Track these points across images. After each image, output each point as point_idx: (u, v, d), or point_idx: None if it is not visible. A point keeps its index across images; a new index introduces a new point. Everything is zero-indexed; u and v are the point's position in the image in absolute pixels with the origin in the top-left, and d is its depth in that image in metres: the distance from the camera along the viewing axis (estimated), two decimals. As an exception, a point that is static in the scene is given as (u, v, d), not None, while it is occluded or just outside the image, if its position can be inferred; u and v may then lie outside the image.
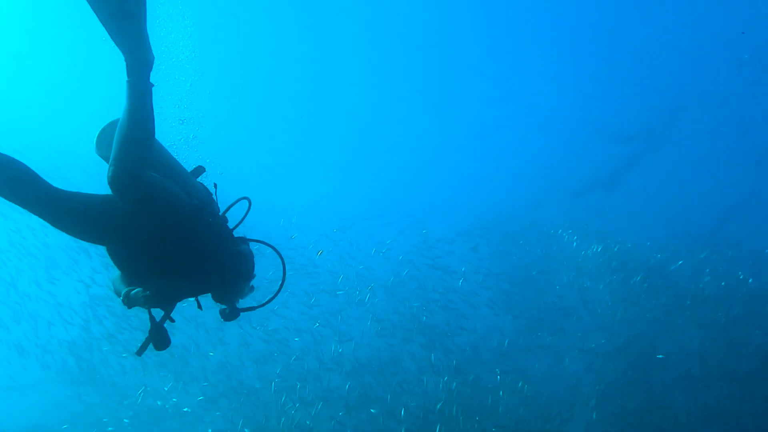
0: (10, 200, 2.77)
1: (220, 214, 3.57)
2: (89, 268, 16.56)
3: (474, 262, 19.45)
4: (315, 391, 15.14)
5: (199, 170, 3.70)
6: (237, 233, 3.68)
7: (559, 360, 16.25)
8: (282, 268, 3.72)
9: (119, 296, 3.16)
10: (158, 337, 3.13)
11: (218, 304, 3.62)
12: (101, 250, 3.33)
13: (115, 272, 3.40)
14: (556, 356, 16.39)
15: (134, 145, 2.88)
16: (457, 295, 17.66)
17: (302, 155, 28.33)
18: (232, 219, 3.70)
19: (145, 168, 2.95)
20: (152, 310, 3.14)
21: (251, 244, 3.75)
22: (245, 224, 3.80)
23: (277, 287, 3.72)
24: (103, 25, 2.93)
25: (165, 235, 3.08)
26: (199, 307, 3.66)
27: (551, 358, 16.46)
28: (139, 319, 15.41)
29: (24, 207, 2.81)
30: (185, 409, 15.94)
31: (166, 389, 16.07)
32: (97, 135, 3.30)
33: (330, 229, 20.13)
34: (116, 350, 16.64)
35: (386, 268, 18.97)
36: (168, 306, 3.23)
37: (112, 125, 3.23)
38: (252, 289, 3.75)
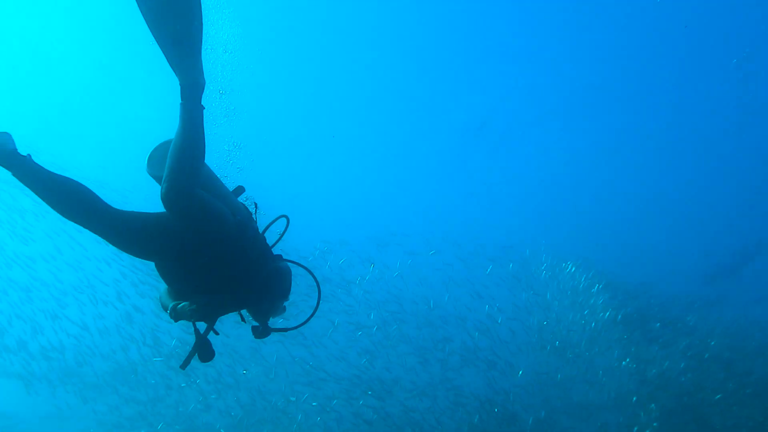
0: (73, 221, 2.97)
1: (261, 232, 3.72)
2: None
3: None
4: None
5: (240, 190, 3.84)
6: (274, 251, 3.82)
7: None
8: (317, 292, 3.78)
9: (166, 310, 3.30)
10: (204, 350, 3.27)
11: (253, 321, 3.74)
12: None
13: (163, 287, 3.55)
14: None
15: (186, 164, 3.04)
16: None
17: (341, 173, 28.56)
18: (269, 236, 3.85)
19: (195, 186, 3.10)
20: (197, 323, 3.29)
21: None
22: (281, 242, 3.95)
23: (310, 311, 3.81)
24: (162, 50, 3.14)
25: (211, 251, 3.22)
26: (243, 320, 3.77)
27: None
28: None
29: (85, 227, 3.00)
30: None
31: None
32: (148, 155, 3.48)
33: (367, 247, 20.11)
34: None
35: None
36: (212, 319, 3.37)
37: (163, 146, 3.43)
38: (284, 309, 3.85)
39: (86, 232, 3.02)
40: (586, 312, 16.68)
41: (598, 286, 17.05)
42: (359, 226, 23.54)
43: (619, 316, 16.41)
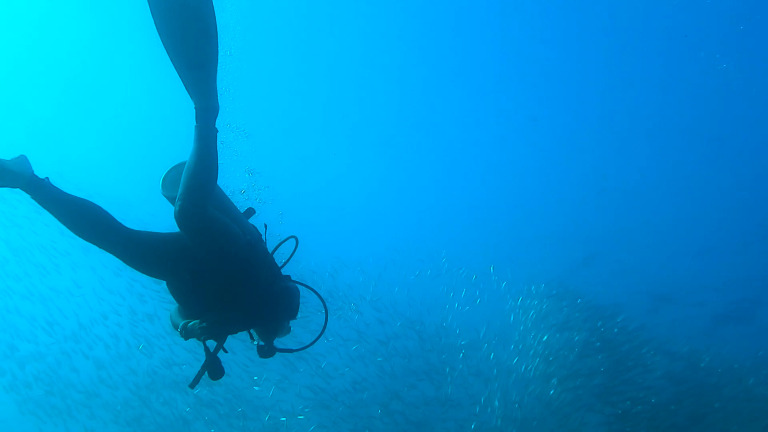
0: (89, 241, 3.06)
1: (270, 252, 3.79)
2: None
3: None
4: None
5: (250, 212, 3.93)
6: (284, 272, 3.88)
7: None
8: (324, 315, 3.85)
9: (177, 329, 3.36)
10: (213, 368, 3.32)
11: (258, 340, 3.78)
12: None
13: (174, 306, 3.61)
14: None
15: (200, 184, 3.12)
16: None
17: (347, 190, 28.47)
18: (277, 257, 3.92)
19: (208, 206, 3.17)
20: (207, 342, 3.33)
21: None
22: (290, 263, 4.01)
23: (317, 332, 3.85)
24: (179, 73, 3.23)
25: (222, 270, 3.28)
26: (252, 339, 3.80)
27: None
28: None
29: (101, 247, 3.08)
30: None
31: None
32: (163, 177, 3.58)
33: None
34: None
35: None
36: (221, 337, 3.43)
37: (177, 168, 3.53)
38: (290, 330, 3.89)
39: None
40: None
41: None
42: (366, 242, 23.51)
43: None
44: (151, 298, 16.20)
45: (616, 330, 16.97)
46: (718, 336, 19.39)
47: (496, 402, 15.80)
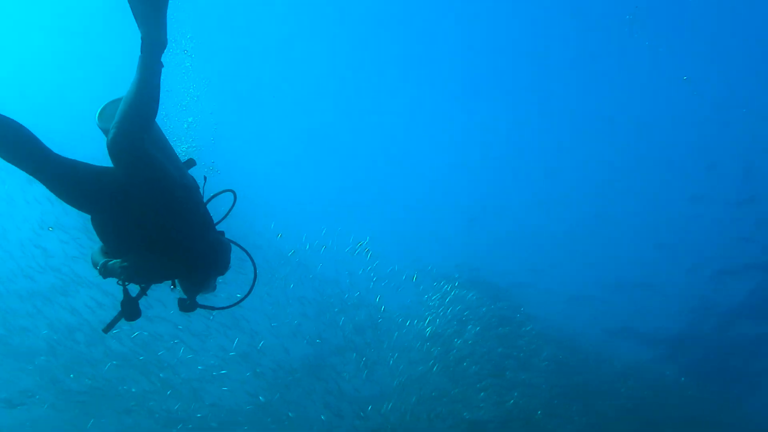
0: (8, 161, 2.84)
1: (205, 202, 3.66)
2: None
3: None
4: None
5: (190, 163, 3.77)
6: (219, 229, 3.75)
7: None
8: (253, 275, 3.77)
9: (96, 267, 3.22)
10: (130, 309, 3.20)
11: (181, 292, 3.67)
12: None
13: (97, 245, 3.45)
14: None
15: (137, 115, 3.00)
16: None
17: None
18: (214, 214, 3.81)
19: (144, 139, 3.04)
20: (128, 286, 3.20)
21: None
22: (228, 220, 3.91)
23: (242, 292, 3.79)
24: (129, 4, 3.09)
25: (153, 211, 3.14)
26: (173, 286, 3.66)
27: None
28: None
29: (21, 168, 2.87)
30: None
31: None
32: (101, 108, 3.39)
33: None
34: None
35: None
36: (144, 282, 3.30)
37: (116, 102, 3.32)
38: (215, 287, 3.78)
39: None
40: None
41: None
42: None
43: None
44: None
45: (518, 315, 18.09)
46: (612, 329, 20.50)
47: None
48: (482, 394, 16.64)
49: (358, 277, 17.37)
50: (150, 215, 3.14)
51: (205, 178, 3.79)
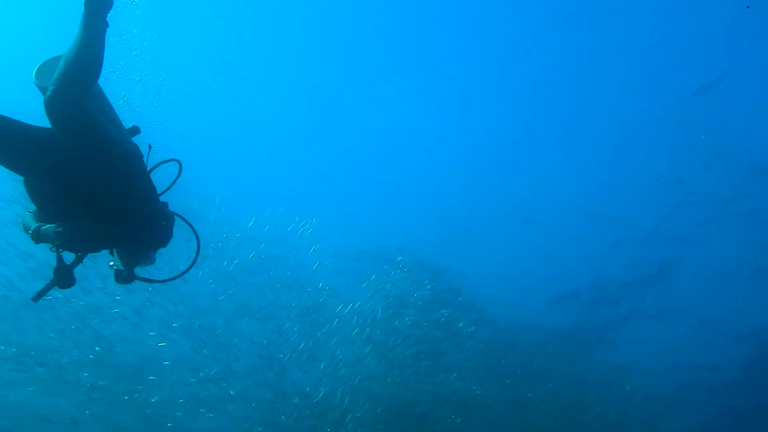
0: None
1: (149, 171, 3.51)
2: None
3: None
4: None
5: (135, 130, 3.57)
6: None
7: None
8: (196, 249, 3.67)
9: (28, 231, 3.05)
10: (64, 277, 3.07)
11: (118, 263, 3.52)
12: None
13: (30, 210, 3.28)
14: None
15: (78, 73, 2.83)
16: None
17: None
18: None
19: (85, 99, 2.87)
20: (62, 253, 3.06)
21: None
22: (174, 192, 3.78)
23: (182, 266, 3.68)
24: None
25: (92, 176, 2.98)
26: (111, 253, 3.50)
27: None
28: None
29: None
30: None
31: None
32: (39, 64, 3.19)
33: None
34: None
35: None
36: (79, 250, 3.14)
37: (57, 59, 3.11)
38: (155, 260, 3.65)
39: None
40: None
41: None
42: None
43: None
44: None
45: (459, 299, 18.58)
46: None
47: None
48: (418, 375, 17.07)
49: (302, 257, 17.33)
50: (88, 181, 2.98)
51: (149, 146, 3.65)
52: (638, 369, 21.84)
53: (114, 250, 3.46)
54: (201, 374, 16.27)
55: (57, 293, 13.23)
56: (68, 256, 3.17)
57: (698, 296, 20.52)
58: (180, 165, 3.74)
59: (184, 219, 3.64)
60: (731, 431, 23.52)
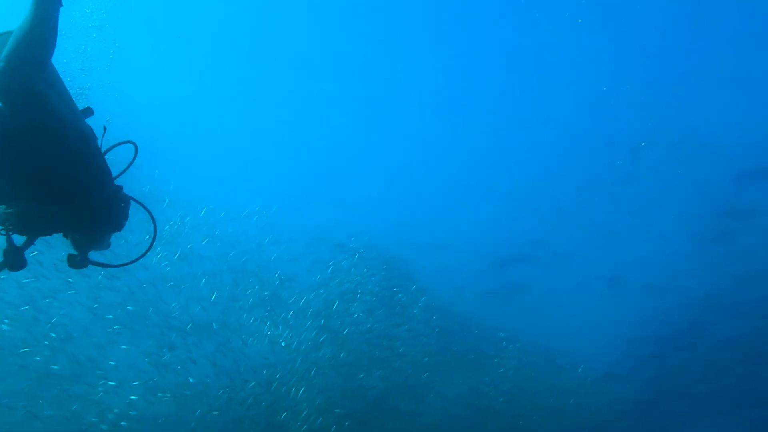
0: None
1: (104, 153, 3.45)
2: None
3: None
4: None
5: (88, 111, 3.51)
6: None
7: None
8: (152, 234, 3.63)
9: None
10: (14, 259, 3.01)
11: (71, 247, 3.48)
12: None
13: None
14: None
15: (31, 50, 2.76)
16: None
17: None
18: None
19: (37, 76, 2.80)
20: (12, 234, 3.00)
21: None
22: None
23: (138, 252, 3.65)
24: None
25: (43, 158, 2.91)
26: (65, 236, 3.45)
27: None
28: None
29: None
30: None
31: None
32: None
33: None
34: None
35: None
36: (29, 233, 3.08)
37: (7, 34, 3.00)
38: (109, 245, 3.60)
39: None
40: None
41: None
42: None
43: None
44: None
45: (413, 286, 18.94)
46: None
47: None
48: (372, 361, 17.29)
49: (256, 244, 17.25)
50: (39, 162, 2.91)
51: (104, 128, 3.58)
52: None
53: (67, 233, 3.41)
54: (158, 359, 16.08)
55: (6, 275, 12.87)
56: (19, 238, 3.12)
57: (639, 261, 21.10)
58: (136, 148, 3.69)
59: (139, 203, 3.62)
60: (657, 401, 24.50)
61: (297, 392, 15.91)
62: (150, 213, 3.62)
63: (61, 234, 3.38)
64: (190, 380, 16.22)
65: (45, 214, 3.02)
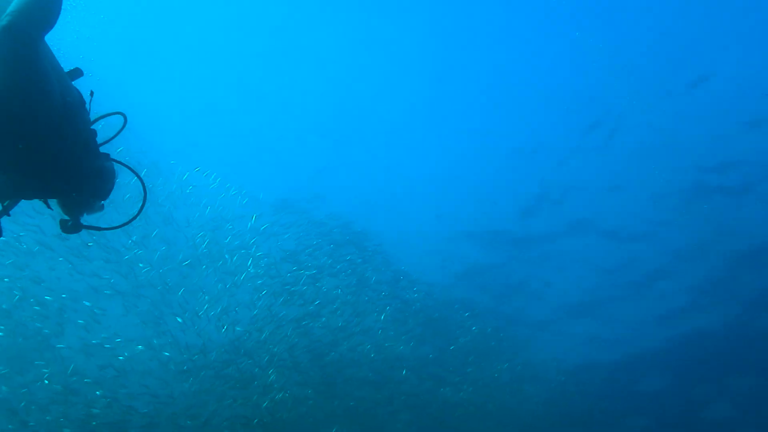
0: None
1: (92, 122, 3.36)
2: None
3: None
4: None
5: (77, 73, 3.36)
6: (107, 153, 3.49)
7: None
8: (143, 197, 3.61)
9: None
10: None
11: (62, 213, 3.40)
12: None
13: None
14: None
15: (37, 10, 2.66)
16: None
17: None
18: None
19: (39, 41, 2.71)
20: None
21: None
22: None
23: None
24: None
25: (25, 123, 2.76)
26: (49, 207, 3.39)
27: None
28: None
29: None
30: None
31: None
32: None
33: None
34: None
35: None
36: (9, 199, 3.00)
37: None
38: (102, 207, 3.55)
39: None
40: None
41: None
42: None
43: None
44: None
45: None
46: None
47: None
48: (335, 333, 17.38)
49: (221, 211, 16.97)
50: (20, 130, 2.75)
51: (91, 93, 3.50)
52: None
53: (56, 200, 3.33)
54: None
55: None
56: None
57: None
58: (125, 118, 3.63)
59: (129, 167, 3.57)
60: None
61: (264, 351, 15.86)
62: (140, 177, 3.58)
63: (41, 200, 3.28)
64: (166, 354, 16.02)
65: (27, 183, 2.93)
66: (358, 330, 17.74)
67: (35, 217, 13.68)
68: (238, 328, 15.88)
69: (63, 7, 2.94)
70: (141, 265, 15.99)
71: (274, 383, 15.87)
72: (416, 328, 19.49)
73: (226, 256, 16.46)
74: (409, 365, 19.04)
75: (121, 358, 15.38)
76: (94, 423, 14.24)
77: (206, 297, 16.02)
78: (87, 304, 15.04)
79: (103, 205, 3.53)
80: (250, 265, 16.46)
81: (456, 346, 20.28)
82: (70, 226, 3.33)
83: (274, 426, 15.79)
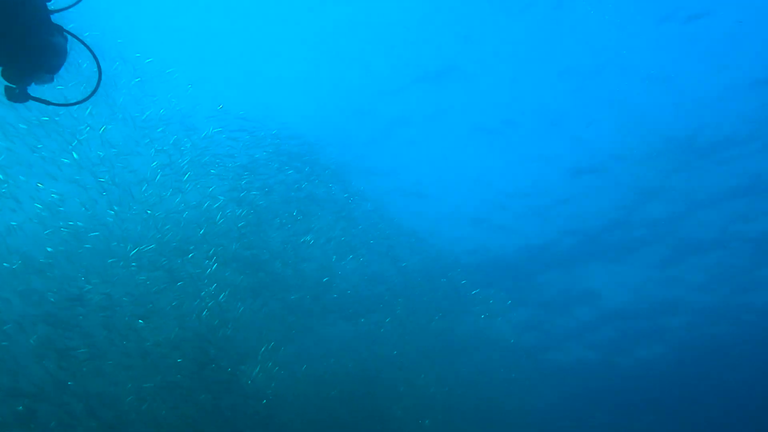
0: None
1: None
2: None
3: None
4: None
5: None
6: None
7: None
8: (98, 76, 3.48)
9: None
10: None
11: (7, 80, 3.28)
12: None
13: None
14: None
15: None
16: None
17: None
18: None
19: None
20: None
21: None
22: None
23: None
24: None
25: None
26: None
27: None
28: None
29: None
30: None
31: None
32: None
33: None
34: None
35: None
36: None
37: None
38: (51, 80, 3.41)
39: None
40: None
41: None
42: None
43: None
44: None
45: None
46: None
47: None
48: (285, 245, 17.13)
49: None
50: None
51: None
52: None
53: None
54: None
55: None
56: None
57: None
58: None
59: (83, 43, 3.44)
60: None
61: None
62: (94, 54, 3.44)
63: None
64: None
65: None
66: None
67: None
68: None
69: None
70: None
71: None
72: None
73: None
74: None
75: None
76: None
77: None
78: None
79: (52, 77, 3.41)
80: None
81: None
82: (17, 95, 3.25)
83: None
